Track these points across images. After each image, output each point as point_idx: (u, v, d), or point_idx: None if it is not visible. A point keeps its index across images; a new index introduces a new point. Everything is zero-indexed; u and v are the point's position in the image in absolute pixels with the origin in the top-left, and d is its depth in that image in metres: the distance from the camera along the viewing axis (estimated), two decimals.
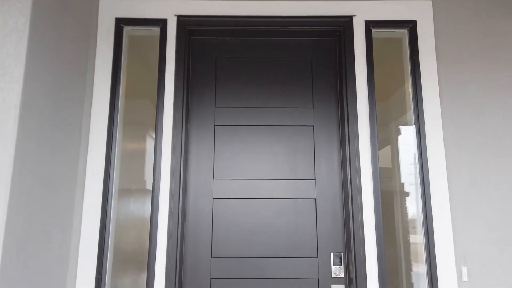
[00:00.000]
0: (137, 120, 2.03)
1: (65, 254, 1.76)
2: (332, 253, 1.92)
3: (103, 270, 1.80)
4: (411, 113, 2.02)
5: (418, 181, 1.93)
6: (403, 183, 1.97)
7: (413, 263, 1.88)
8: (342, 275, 1.89)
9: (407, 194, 1.96)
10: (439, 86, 2.01)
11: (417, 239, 1.90)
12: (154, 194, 1.87)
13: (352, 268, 1.84)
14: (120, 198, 1.93)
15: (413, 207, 1.93)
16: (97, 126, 1.94)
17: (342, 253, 1.92)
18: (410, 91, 2.04)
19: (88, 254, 1.81)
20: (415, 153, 1.97)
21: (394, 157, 2.01)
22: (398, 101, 2.07)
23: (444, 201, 1.88)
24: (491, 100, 2.00)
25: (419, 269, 1.86)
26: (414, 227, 1.91)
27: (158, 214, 1.85)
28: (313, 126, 2.07)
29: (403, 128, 2.04)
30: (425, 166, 1.91)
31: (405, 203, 1.95)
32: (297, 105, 2.09)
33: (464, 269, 1.81)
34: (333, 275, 1.89)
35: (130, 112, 2.04)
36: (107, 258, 1.83)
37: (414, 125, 1.98)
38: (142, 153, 2.00)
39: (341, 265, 1.90)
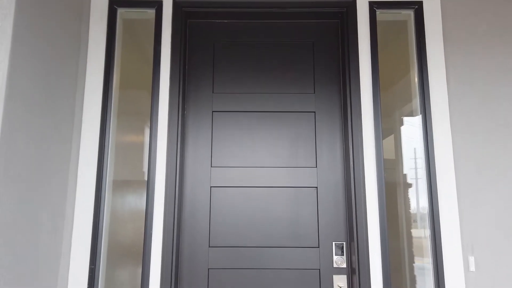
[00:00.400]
0: (132, 108, 1.95)
1: (57, 242, 1.70)
2: (333, 243, 1.86)
3: (96, 260, 1.74)
4: (416, 101, 1.94)
5: (424, 170, 1.86)
6: (406, 174, 1.90)
7: (417, 254, 1.82)
8: (344, 266, 1.83)
9: (410, 185, 1.88)
10: (446, 70, 1.93)
11: (422, 230, 1.83)
12: (150, 182, 1.81)
13: (354, 258, 1.77)
14: (115, 188, 1.87)
15: (418, 197, 1.86)
16: (90, 113, 1.88)
17: (344, 243, 1.85)
18: (416, 76, 1.96)
19: (82, 243, 1.75)
20: (421, 140, 1.89)
21: (398, 146, 1.93)
22: (403, 88, 1.99)
23: (451, 189, 1.80)
24: (500, 84, 1.92)
25: (424, 259, 1.80)
26: (415, 221, 1.84)
27: (153, 203, 1.79)
28: (315, 112, 2.00)
29: (408, 116, 1.96)
30: (431, 153, 1.84)
31: (409, 194, 1.88)
32: (298, 91, 2.02)
33: (471, 259, 1.74)
34: (334, 266, 1.83)
35: (125, 100, 1.96)
36: (101, 248, 1.77)
37: (420, 111, 1.90)
38: (138, 141, 1.93)
39: (343, 255, 1.84)
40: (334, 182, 1.92)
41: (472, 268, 1.73)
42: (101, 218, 1.79)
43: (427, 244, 1.80)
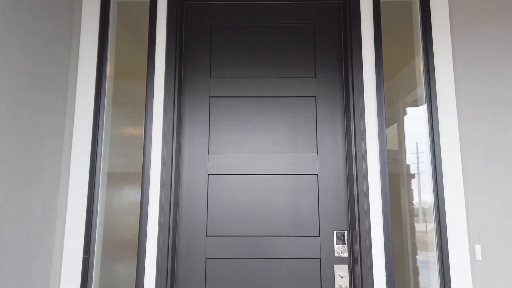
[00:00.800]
0: (127, 95, 1.89)
1: (50, 232, 1.66)
2: (335, 232, 1.80)
3: (90, 250, 1.70)
4: (422, 88, 1.86)
5: (429, 157, 1.79)
6: (409, 165, 1.83)
7: (421, 244, 1.76)
8: (346, 255, 1.77)
9: (413, 176, 1.82)
10: (452, 52, 1.85)
11: (426, 219, 1.77)
12: (144, 170, 1.75)
13: (356, 247, 1.72)
14: (110, 179, 1.81)
15: (422, 187, 1.79)
16: (83, 101, 1.82)
17: (345, 232, 1.80)
18: (421, 61, 1.88)
19: (75, 233, 1.70)
20: (426, 126, 1.82)
21: (401, 134, 1.86)
22: (408, 74, 1.91)
23: (457, 176, 1.74)
24: (509, 67, 1.83)
25: (428, 248, 1.74)
26: (418, 215, 1.78)
27: (148, 191, 1.74)
28: (315, 97, 1.93)
29: (414, 101, 1.88)
30: (436, 139, 1.77)
31: (412, 184, 1.82)
32: (298, 75, 1.94)
33: (478, 247, 1.68)
34: (336, 255, 1.78)
35: (119, 87, 1.90)
36: (95, 238, 1.72)
37: (425, 96, 1.83)
38: (135, 131, 1.87)
39: (344, 244, 1.78)
40: (335, 169, 1.86)
41: (479, 256, 1.67)
42: (95, 207, 1.73)
43: (432, 233, 1.74)
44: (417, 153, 1.83)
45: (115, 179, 1.81)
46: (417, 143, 1.83)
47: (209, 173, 1.86)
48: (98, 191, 1.76)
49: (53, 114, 1.70)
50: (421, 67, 1.87)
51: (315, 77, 1.94)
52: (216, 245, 1.80)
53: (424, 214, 1.76)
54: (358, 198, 1.74)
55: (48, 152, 1.65)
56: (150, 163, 1.76)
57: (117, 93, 1.88)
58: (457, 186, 1.73)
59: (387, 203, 1.72)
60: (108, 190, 1.79)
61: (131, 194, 1.79)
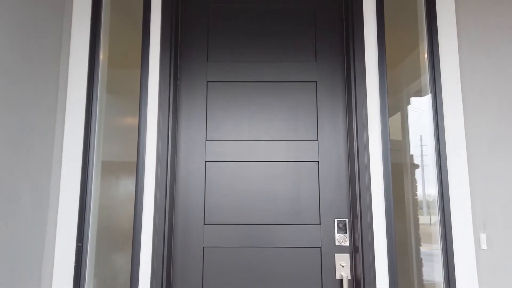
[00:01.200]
0: (122, 80, 1.83)
1: (41, 218, 1.60)
2: (336, 220, 1.75)
3: (84, 238, 1.65)
4: (426, 76, 1.79)
5: (434, 147, 1.73)
6: (412, 155, 1.78)
7: (425, 235, 1.71)
8: (347, 244, 1.73)
9: (417, 166, 1.76)
10: (458, 38, 1.79)
11: (430, 212, 1.71)
12: (139, 157, 1.69)
13: (358, 236, 1.67)
14: (105, 166, 1.76)
15: (426, 176, 1.74)
16: (75, 80, 1.76)
17: (347, 220, 1.75)
18: (426, 48, 1.81)
19: (69, 220, 1.65)
20: (430, 113, 1.76)
21: (404, 123, 1.80)
22: (413, 60, 1.84)
23: (462, 163, 1.68)
24: None
25: (432, 241, 1.69)
26: (420, 208, 1.73)
27: (143, 177, 1.68)
28: (316, 82, 1.87)
29: (417, 90, 1.82)
30: (441, 126, 1.71)
31: (415, 174, 1.76)
32: (298, 59, 1.88)
33: (483, 236, 1.63)
34: (337, 244, 1.73)
35: (113, 71, 1.84)
36: (89, 225, 1.67)
37: (429, 83, 1.77)
38: (131, 119, 1.81)
39: (345, 232, 1.74)
40: (336, 156, 1.80)
41: (484, 246, 1.62)
42: (88, 194, 1.68)
43: (436, 225, 1.69)
44: (421, 146, 1.77)
45: (110, 167, 1.76)
46: (421, 135, 1.77)
47: (206, 160, 1.81)
48: (92, 178, 1.70)
49: (44, 99, 1.64)
50: (426, 54, 1.81)
51: (315, 61, 1.88)
52: (214, 234, 1.75)
53: (428, 207, 1.71)
54: (359, 185, 1.69)
55: (39, 137, 1.59)
56: (145, 149, 1.71)
57: (111, 79, 1.82)
58: (462, 174, 1.68)
59: (389, 191, 1.67)
60: (103, 178, 1.74)
61: (128, 183, 1.74)
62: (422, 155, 1.76)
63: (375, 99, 1.75)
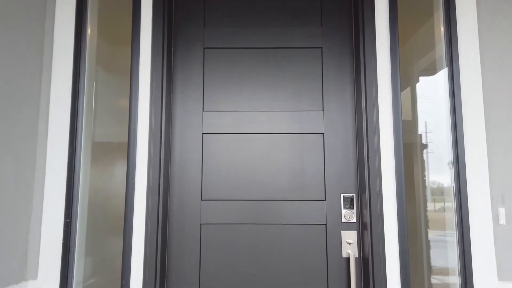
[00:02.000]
0: (113, 54, 1.70)
1: (26, 192, 1.49)
2: (342, 195, 1.63)
3: (72, 213, 1.54)
4: (441, 46, 1.65)
5: (450, 111, 1.60)
6: (420, 134, 1.65)
7: (439, 210, 1.59)
8: (354, 220, 1.61)
9: (425, 146, 1.63)
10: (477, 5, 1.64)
11: (443, 185, 1.59)
12: (131, 128, 1.57)
13: (366, 212, 1.55)
14: (95, 145, 1.64)
15: (442, 143, 1.61)
16: (61, 41, 1.63)
17: (354, 195, 1.63)
18: (442, 11, 1.66)
19: (56, 195, 1.54)
20: (445, 82, 1.62)
21: (414, 100, 1.66)
22: (428, 28, 1.70)
23: (480, 132, 1.55)
24: None
25: (446, 215, 1.57)
26: (432, 186, 1.60)
27: (135, 150, 1.57)
28: (321, 48, 1.73)
29: (431, 61, 1.68)
30: (457, 95, 1.58)
31: (429, 148, 1.63)
32: (302, 23, 1.74)
33: (502, 211, 1.51)
34: (343, 220, 1.62)
35: (102, 46, 1.70)
36: (78, 200, 1.56)
37: (445, 48, 1.63)
38: (123, 89, 1.68)
39: (352, 208, 1.62)
40: (343, 127, 1.68)
41: (503, 221, 1.50)
42: (77, 165, 1.57)
43: (451, 211, 1.57)
44: (427, 133, 1.64)
45: (100, 139, 1.64)
46: (446, 77, 1.63)
47: (203, 132, 1.69)
48: (81, 149, 1.59)
49: (28, 66, 1.51)
50: (442, 18, 1.66)
51: (321, 25, 1.74)
52: (212, 210, 1.64)
53: (441, 191, 1.58)
54: (368, 159, 1.57)
55: (21, 106, 1.47)
56: (137, 120, 1.59)
57: (100, 50, 1.69)
58: (480, 144, 1.55)
59: (400, 164, 1.55)
60: (93, 150, 1.62)
61: (120, 156, 1.62)
62: (447, 102, 1.63)
63: (386, 66, 1.61)
